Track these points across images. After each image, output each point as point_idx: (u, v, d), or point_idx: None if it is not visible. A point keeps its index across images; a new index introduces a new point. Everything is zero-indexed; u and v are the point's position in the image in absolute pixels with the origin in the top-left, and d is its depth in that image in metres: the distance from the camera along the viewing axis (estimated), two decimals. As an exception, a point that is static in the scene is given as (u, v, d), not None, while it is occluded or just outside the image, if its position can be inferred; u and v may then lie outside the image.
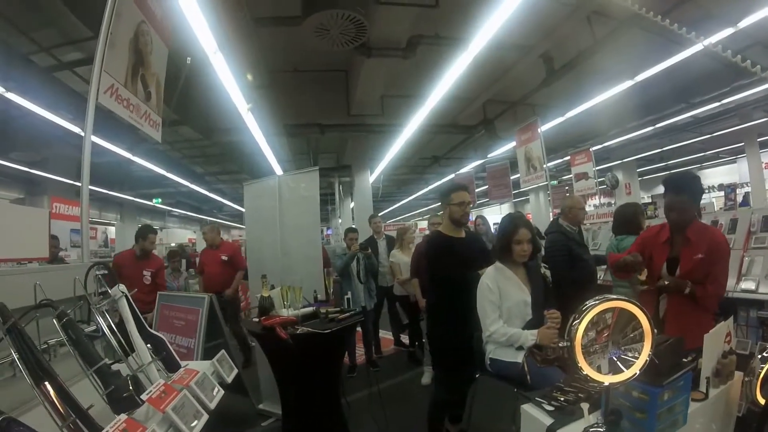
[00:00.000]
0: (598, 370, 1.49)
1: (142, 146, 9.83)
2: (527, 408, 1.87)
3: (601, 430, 1.54)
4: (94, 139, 2.97)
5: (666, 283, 2.70)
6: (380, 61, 6.95)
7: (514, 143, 9.83)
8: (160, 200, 19.38)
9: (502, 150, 12.29)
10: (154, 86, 3.58)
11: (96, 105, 2.78)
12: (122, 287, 1.75)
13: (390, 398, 4.29)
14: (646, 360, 1.51)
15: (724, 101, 9.56)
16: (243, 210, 5.40)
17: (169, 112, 7.18)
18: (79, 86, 6.76)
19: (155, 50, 3.57)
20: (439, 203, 3.58)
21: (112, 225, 20.77)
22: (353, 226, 6.08)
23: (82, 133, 2.85)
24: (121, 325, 1.69)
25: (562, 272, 3.91)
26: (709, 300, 2.69)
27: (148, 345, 1.70)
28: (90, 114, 2.78)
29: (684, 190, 2.76)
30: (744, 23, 5.54)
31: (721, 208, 13.86)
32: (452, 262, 3.32)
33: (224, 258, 6.17)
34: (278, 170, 10.93)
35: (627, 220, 4.14)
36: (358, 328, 5.28)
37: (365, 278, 5.54)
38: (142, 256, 5.28)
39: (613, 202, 16.78)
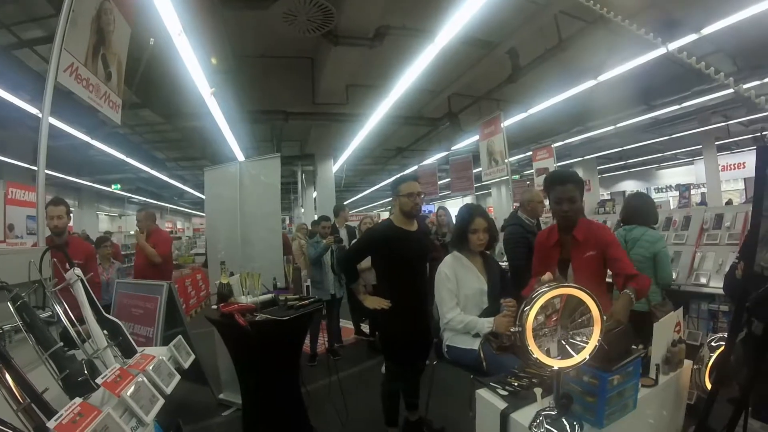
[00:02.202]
0: (548, 353, 1.55)
1: (102, 130, 9.53)
2: (482, 393, 1.92)
3: (553, 413, 1.60)
4: (52, 121, 2.89)
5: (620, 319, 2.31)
6: (347, 50, 6.91)
7: (477, 137, 9.94)
8: (118, 186, 18.82)
9: (465, 143, 12.43)
10: (115, 66, 3.49)
11: (55, 85, 2.70)
12: (77, 271, 1.72)
13: (350, 387, 4.31)
14: (596, 345, 1.57)
15: (685, 104, 9.89)
16: (203, 197, 5.25)
17: (130, 94, 7.02)
18: (38, 65, 6.51)
19: (118, 29, 3.49)
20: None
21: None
22: (326, 215, 6.07)
23: (40, 115, 2.78)
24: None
25: (521, 263, 3.92)
26: (643, 289, 2.51)
27: (105, 330, 1.67)
28: (48, 93, 2.71)
29: (568, 180, 2.70)
30: (707, 30, 5.75)
31: (676, 206, 14.41)
32: (404, 255, 3.24)
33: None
34: (241, 157, 10.74)
35: (636, 209, 3.86)
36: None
37: (338, 268, 5.53)
38: (63, 245, 3.39)
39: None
